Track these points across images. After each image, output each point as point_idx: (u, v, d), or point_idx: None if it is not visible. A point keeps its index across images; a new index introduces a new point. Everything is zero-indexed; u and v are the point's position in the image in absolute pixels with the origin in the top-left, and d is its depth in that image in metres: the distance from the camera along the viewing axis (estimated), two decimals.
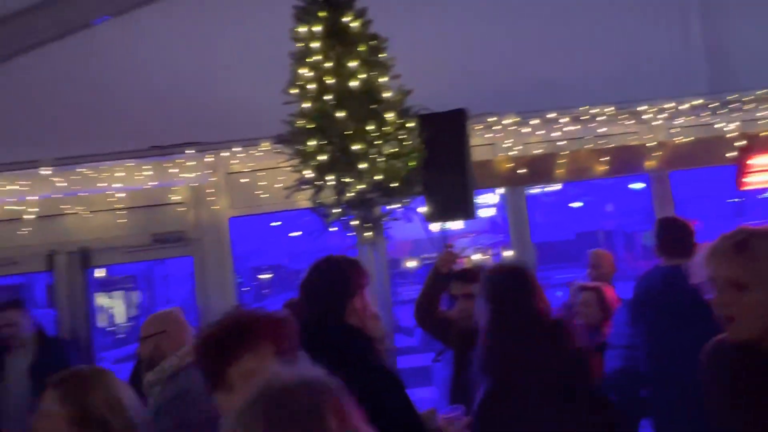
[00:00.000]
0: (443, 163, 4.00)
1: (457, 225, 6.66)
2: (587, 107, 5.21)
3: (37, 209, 5.00)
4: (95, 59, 5.05)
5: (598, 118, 5.25)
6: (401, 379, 2.15)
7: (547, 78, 5.13)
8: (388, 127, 3.77)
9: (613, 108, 5.24)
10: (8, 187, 4.96)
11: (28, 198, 4.99)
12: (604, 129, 5.28)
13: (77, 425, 1.89)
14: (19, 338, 4.04)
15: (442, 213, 4.11)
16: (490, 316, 2.23)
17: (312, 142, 3.74)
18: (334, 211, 3.95)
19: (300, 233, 9.22)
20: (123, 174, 5.02)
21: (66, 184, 4.97)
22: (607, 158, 5.16)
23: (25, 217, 5.00)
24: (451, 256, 3.41)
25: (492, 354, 2.16)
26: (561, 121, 5.21)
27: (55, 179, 4.94)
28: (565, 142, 5.23)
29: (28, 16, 5.09)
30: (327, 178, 3.80)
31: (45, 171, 4.89)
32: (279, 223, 8.24)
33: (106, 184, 5.02)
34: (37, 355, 4.03)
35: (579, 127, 5.25)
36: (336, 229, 4.08)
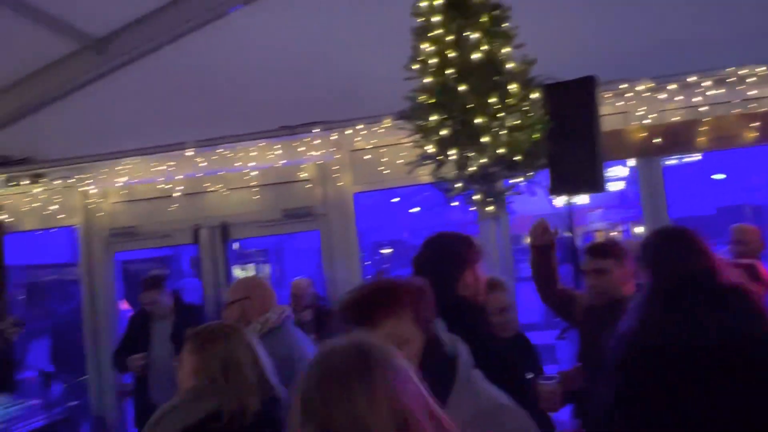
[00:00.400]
0: (570, 134, 3.84)
1: (583, 199, 6.39)
2: (734, 68, 4.73)
3: (183, 187, 5.49)
4: (230, 46, 5.38)
5: (747, 80, 4.75)
6: (517, 350, 2.13)
7: (686, 38, 4.70)
8: (512, 99, 3.68)
9: (765, 68, 4.71)
10: (159, 168, 5.49)
11: (175, 177, 5.49)
12: (755, 92, 4.76)
13: (194, 375, 2.03)
14: (160, 311, 4.54)
15: (568, 186, 3.96)
16: (648, 282, 2.02)
17: (434, 117, 3.74)
18: (455, 185, 3.94)
19: (420, 209, 9.31)
20: (256, 153, 5.36)
21: (207, 164, 5.40)
22: (758, 124, 4.67)
23: (173, 194, 5.51)
24: (541, 228, 3.22)
25: (648, 324, 1.89)
26: (703, 84, 4.78)
27: (198, 160, 5.39)
28: (707, 107, 4.79)
29: (169, 10, 5.52)
30: (449, 152, 3.79)
31: (189, 152, 5.34)
32: (398, 199, 8.37)
33: (241, 163, 5.39)
34: (176, 322, 4.50)
35: (724, 90, 4.78)
36: (457, 203, 4.07)
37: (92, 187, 5.62)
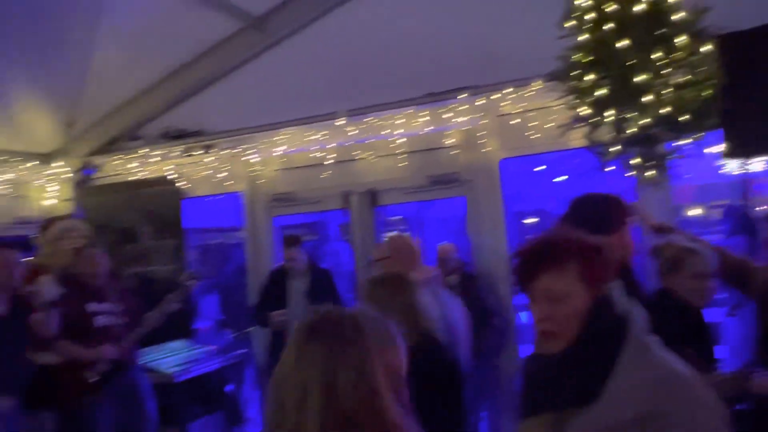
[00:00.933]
0: (748, 91, 3.46)
1: (761, 165, 5.73)
2: None
3: (334, 155, 5.77)
4: (375, 17, 5.48)
5: None
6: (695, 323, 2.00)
7: None
8: (679, 53, 3.38)
9: None
10: (312, 137, 5.79)
11: (327, 146, 5.77)
12: None
13: None
14: (297, 269, 4.99)
15: (744, 149, 3.59)
16: None
17: (590, 77, 3.56)
18: (611, 149, 3.74)
19: (567, 177, 8.91)
20: (403, 121, 5.46)
21: (357, 133, 5.61)
22: None
23: (324, 163, 5.80)
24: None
25: None
26: None
27: (348, 129, 5.61)
28: None
29: None
30: (605, 113, 3.59)
31: (340, 122, 5.58)
32: (544, 167, 8.07)
33: (389, 131, 5.52)
34: (311, 282, 4.94)
35: None
36: (613, 168, 3.86)
37: (255, 155, 6.08)
